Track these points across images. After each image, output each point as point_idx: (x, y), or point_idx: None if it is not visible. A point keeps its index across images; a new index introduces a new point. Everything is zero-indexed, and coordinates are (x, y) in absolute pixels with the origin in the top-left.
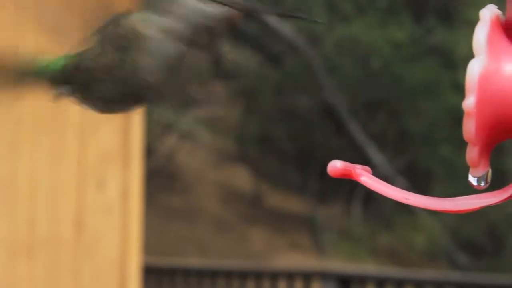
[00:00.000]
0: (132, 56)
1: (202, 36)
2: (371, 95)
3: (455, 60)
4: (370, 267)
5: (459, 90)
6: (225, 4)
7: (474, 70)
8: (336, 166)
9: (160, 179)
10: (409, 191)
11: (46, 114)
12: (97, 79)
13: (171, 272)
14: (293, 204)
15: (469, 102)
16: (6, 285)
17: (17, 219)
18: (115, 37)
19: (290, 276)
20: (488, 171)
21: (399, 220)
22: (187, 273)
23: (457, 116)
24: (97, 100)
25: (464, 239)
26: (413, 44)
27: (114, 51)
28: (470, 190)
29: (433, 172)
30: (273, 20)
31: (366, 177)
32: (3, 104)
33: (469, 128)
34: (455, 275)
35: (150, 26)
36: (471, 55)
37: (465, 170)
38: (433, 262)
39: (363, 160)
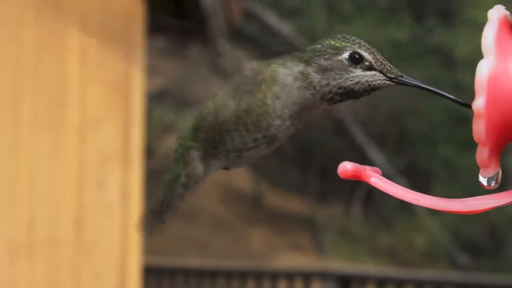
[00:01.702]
0: (261, 97)
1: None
2: (371, 95)
3: (455, 60)
4: (370, 267)
5: (459, 90)
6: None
7: (483, 71)
8: (346, 167)
9: (160, 179)
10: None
11: (46, 114)
12: (227, 129)
13: (171, 272)
14: (293, 204)
15: (479, 103)
16: (6, 285)
17: (17, 219)
18: (245, 82)
19: (290, 276)
20: (498, 171)
21: (399, 220)
22: (187, 273)
23: (457, 116)
24: (230, 152)
25: (464, 239)
26: (413, 44)
27: (242, 96)
28: (470, 190)
29: (433, 172)
30: (273, 20)
31: (376, 178)
32: (3, 104)
33: (479, 129)
34: (455, 275)
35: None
36: (471, 55)
37: (465, 170)
38: (433, 262)
39: (363, 160)
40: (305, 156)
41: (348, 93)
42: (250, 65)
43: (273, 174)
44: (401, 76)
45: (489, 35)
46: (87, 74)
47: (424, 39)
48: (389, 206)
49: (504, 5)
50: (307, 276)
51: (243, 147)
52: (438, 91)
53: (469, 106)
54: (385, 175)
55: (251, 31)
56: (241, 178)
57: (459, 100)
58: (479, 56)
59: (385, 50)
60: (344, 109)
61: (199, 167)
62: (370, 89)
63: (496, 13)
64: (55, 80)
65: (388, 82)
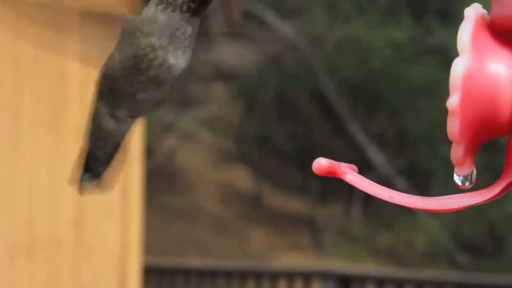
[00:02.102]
0: (139, 43)
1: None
2: (371, 95)
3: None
4: (370, 267)
5: None
6: None
7: (458, 68)
8: (321, 163)
9: (160, 179)
10: (409, 191)
11: (46, 114)
12: (117, 77)
13: (171, 272)
14: (293, 204)
15: (453, 101)
16: (6, 285)
17: (17, 219)
18: (124, 33)
19: (290, 276)
20: (473, 171)
21: (399, 220)
22: (187, 273)
23: None
24: (126, 98)
25: (464, 239)
26: (413, 44)
27: (123, 45)
28: (470, 190)
29: (433, 172)
30: (273, 20)
31: (351, 175)
32: (3, 104)
33: (453, 127)
34: (455, 275)
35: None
36: None
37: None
38: (433, 262)
39: (363, 160)
40: (305, 156)
41: None
42: (127, 17)
43: (273, 174)
44: None
45: (465, 33)
46: (87, 74)
47: (424, 39)
48: (389, 206)
49: (488, 4)
50: (307, 276)
51: (134, 90)
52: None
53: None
54: (385, 175)
55: (251, 31)
56: (241, 178)
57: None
58: None
59: (385, 50)
60: (344, 109)
61: (105, 120)
62: None
63: (473, 11)
64: (55, 80)
65: None
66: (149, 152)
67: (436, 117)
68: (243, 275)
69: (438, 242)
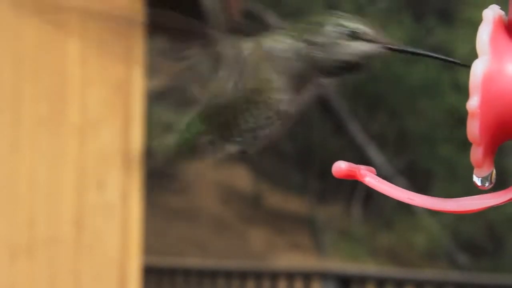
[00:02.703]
0: (264, 75)
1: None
2: (371, 95)
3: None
4: (370, 267)
5: (459, 90)
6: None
7: (478, 70)
8: (340, 167)
9: (160, 179)
10: (410, 191)
11: (46, 114)
12: (239, 111)
13: (171, 272)
14: (293, 204)
15: (473, 103)
16: (6, 285)
17: (17, 219)
18: (240, 62)
19: (290, 276)
20: (492, 172)
21: (399, 220)
22: (187, 273)
23: (457, 116)
24: (246, 133)
25: (464, 239)
26: (413, 44)
27: (241, 75)
28: (470, 190)
29: (433, 172)
30: (272, 19)
31: (370, 178)
32: (3, 104)
33: (473, 128)
34: (455, 275)
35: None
36: (471, 55)
37: (465, 170)
38: (433, 262)
39: (363, 160)
40: (305, 156)
41: (344, 65)
42: (240, 44)
43: (273, 174)
44: (392, 44)
45: (484, 35)
46: (87, 74)
47: (424, 39)
48: (389, 206)
49: (501, 5)
50: (307, 276)
51: (257, 126)
52: (432, 54)
53: (468, 66)
54: (385, 175)
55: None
56: (241, 178)
57: (456, 61)
58: (478, 56)
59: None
60: (344, 109)
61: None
62: (364, 59)
63: (491, 13)
64: (55, 80)
65: (380, 49)
66: (149, 152)
67: (436, 117)
68: (243, 275)
69: (438, 242)
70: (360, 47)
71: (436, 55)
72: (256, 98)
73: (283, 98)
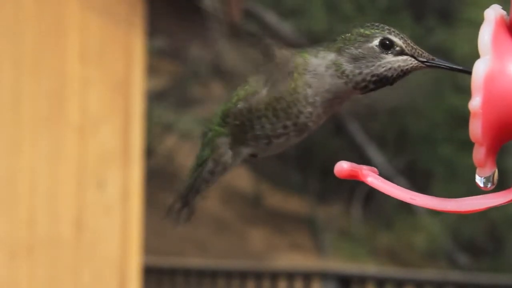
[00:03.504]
0: (292, 85)
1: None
2: (371, 95)
3: (455, 60)
4: (370, 267)
5: (459, 90)
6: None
7: (480, 70)
8: (343, 167)
9: (160, 179)
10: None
11: (46, 114)
12: (258, 115)
13: (171, 272)
14: (293, 204)
15: (475, 103)
16: (6, 285)
17: (17, 219)
18: (276, 70)
19: (290, 276)
20: (494, 172)
21: (399, 220)
22: (187, 273)
23: (457, 116)
24: (260, 139)
25: (464, 239)
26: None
27: (273, 83)
28: (470, 190)
29: (433, 172)
30: (273, 20)
31: (373, 178)
32: (3, 104)
33: (476, 128)
34: (455, 275)
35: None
36: (471, 55)
37: (465, 170)
38: (433, 262)
39: (363, 160)
40: (305, 156)
41: (382, 80)
42: (281, 53)
43: (273, 174)
44: (432, 59)
45: (486, 35)
46: (87, 74)
47: (424, 39)
48: (389, 206)
49: (501, 4)
50: (307, 276)
51: (273, 134)
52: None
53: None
54: (385, 175)
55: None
56: (241, 178)
57: None
58: (479, 56)
59: None
60: (344, 109)
61: (227, 153)
62: (403, 74)
63: (493, 13)
64: (55, 80)
65: (420, 65)
66: (149, 152)
67: (436, 117)
68: (243, 275)
69: (438, 242)
70: (401, 64)
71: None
72: (277, 106)
73: (305, 111)
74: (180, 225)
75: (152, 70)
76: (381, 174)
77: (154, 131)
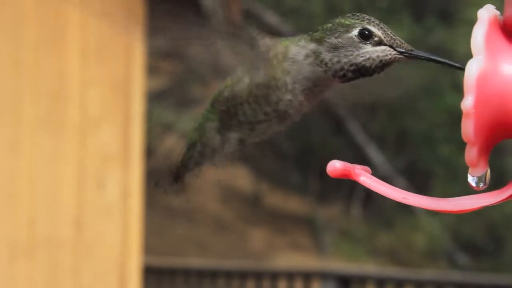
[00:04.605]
0: (272, 72)
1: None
2: (371, 95)
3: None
4: (370, 267)
5: (459, 90)
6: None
7: (472, 70)
8: (335, 166)
9: (160, 178)
10: (409, 191)
11: (46, 114)
12: (240, 102)
13: (171, 272)
14: (293, 204)
15: (468, 103)
16: (6, 285)
17: (17, 219)
18: (258, 58)
19: (290, 276)
20: (487, 172)
21: (399, 220)
22: (187, 273)
23: (457, 116)
24: (243, 124)
25: (464, 239)
26: (413, 44)
27: (255, 70)
28: (470, 190)
29: (433, 172)
30: (272, 19)
31: (365, 177)
32: (3, 104)
33: (468, 128)
34: (455, 275)
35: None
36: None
37: (465, 170)
38: (433, 262)
39: (363, 160)
40: (305, 156)
41: (360, 70)
42: (264, 42)
43: (273, 174)
44: (411, 50)
45: (479, 35)
46: (87, 74)
47: (424, 39)
48: (389, 206)
49: (500, 5)
50: (307, 276)
51: (255, 119)
52: (450, 62)
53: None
54: (385, 175)
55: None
56: (241, 178)
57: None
58: None
59: None
60: (343, 109)
61: (215, 137)
62: (382, 65)
63: (486, 13)
64: (55, 80)
65: (398, 56)
66: (149, 152)
67: (436, 117)
68: (243, 275)
69: (438, 242)
70: (379, 54)
71: (453, 63)
72: (257, 93)
73: (284, 98)
74: (170, 197)
75: (152, 70)
76: (381, 174)
77: (154, 131)
